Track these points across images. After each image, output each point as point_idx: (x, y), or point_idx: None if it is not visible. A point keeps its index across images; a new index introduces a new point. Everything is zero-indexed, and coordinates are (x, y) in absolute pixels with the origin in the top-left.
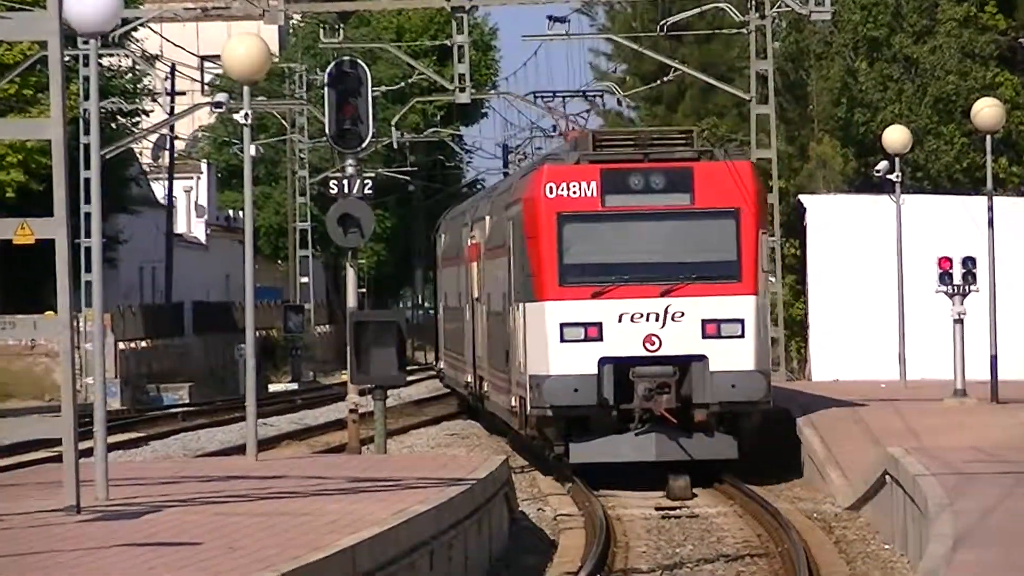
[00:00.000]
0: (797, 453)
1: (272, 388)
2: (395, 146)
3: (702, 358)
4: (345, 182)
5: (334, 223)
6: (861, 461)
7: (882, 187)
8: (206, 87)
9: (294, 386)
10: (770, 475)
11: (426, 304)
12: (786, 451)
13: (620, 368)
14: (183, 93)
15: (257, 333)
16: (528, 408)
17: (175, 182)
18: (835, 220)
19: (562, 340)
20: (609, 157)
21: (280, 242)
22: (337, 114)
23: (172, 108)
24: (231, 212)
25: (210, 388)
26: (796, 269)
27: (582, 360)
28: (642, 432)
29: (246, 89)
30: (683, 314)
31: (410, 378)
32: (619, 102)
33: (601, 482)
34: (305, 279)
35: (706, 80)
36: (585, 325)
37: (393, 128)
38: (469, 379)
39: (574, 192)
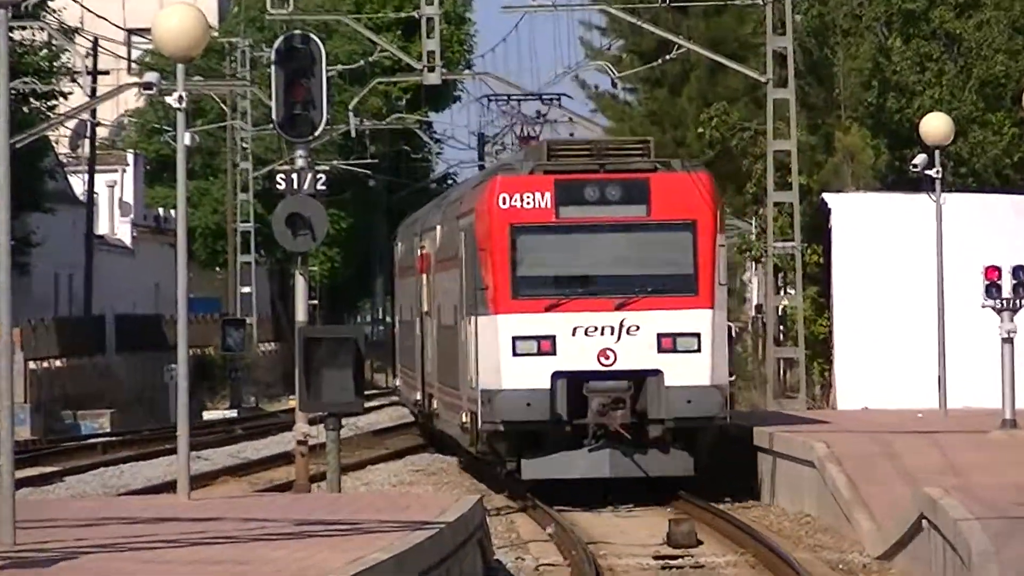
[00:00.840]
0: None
1: (208, 415)
2: (353, 135)
3: (657, 373)
4: (294, 176)
5: (281, 224)
6: (894, 503)
7: (919, 184)
8: (133, 65)
9: (233, 413)
10: (790, 516)
11: (387, 318)
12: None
13: (574, 383)
14: (107, 72)
15: (191, 351)
16: (480, 423)
17: (97, 175)
18: (864, 222)
19: (515, 354)
20: (564, 167)
21: (218, 246)
22: (286, 97)
23: (94, 90)
24: (161, 211)
25: (135, 415)
26: (819, 279)
27: (535, 374)
28: (596, 448)
29: (180, 67)
30: (638, 328)
31: (369, 404)
32: (614, 84)
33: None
34: (247, 289)
35: (715, 59)
36: (538, 339)
37: (351, 114)
38: (418, 396)
39: (527, 203)
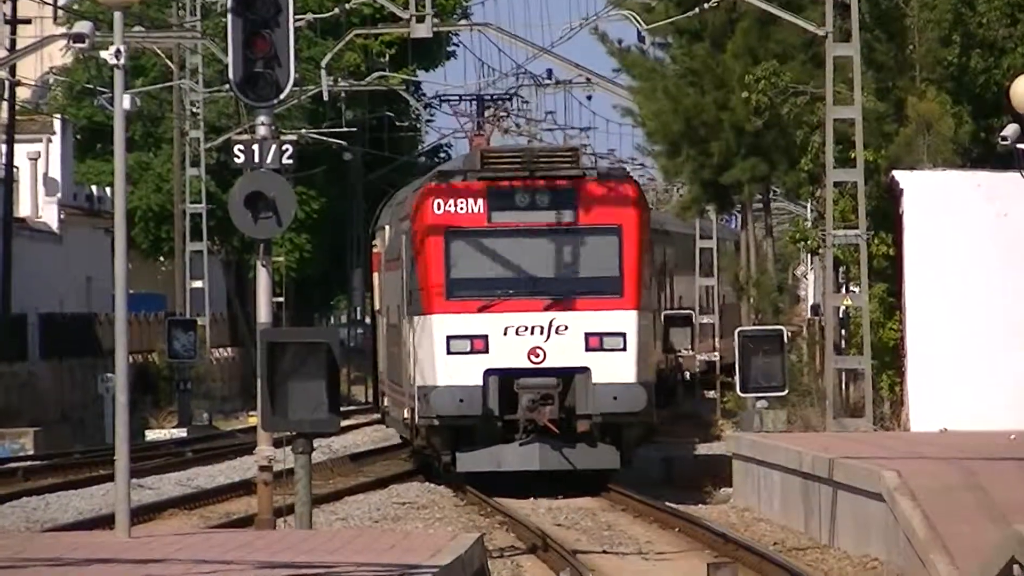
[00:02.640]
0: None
1: (152, 435)
2: (326, 97)
3: (585, 370)
4: (255, 147)
5: (239, 205)
6: (978, 544)
7: (1009, 160)
8: (60, 14)
9: (182, 433)
10: (853, 560)
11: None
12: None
13: (505, 380)
14: (28, 21)
15: (130, 358)
16: (417, 418)
17: (16, 146)
18: (943, 206)
19: (449, 352)
20: (496, 174)
21: (163, 231)
22: (245, 52)
23: (13, 42)
24: (95, 189)
25: (64, 435)
26: (888, 275)
27: (468, 372)
28: (526, 442)
29: (117, 16)
30: (567, 328)
31: (346, 422)
32: (641, 37)
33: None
34: (198, 283)
35: (766, 8)
36: (471, 338)
37: (323, 72)
38: (407, 414)
39: (461, 208)
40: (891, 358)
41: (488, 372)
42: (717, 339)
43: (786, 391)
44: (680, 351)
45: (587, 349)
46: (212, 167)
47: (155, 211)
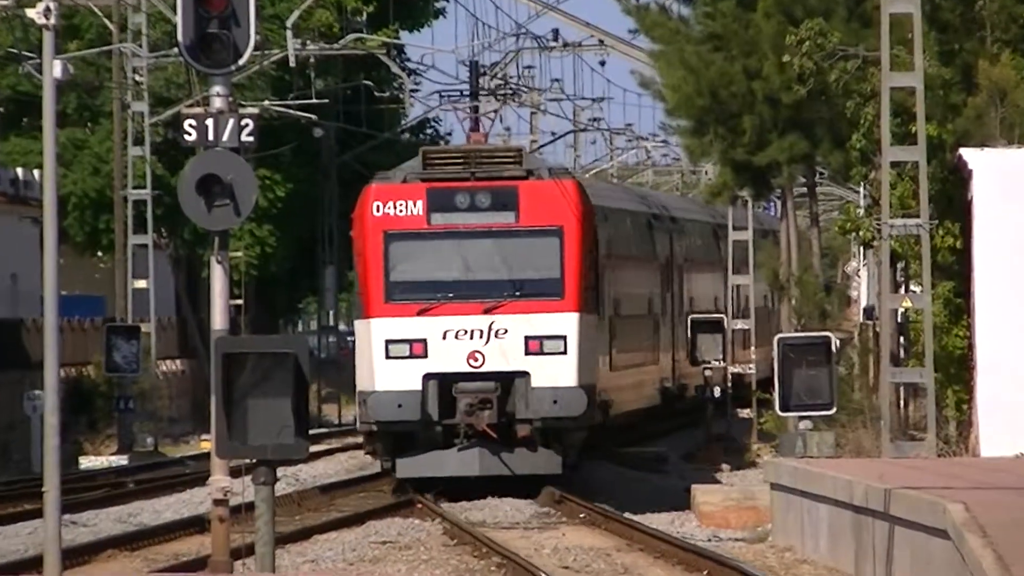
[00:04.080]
0: None
1: (87, 463)
2: (293, 63)
3: (525, 374)
4: (209, 122)
5: (191, 190)
6: None
7: None
8: None
9: (123, 460)
10: None
11: (342, 324)
12: None
13: (444, 384)
14: None
15: (63, 372)
16: (358, 423)
17: None
18: (1020, 189)
19: (387, 356)
20: (436, 176)
21: (101, 221)
22: (197, 9)
23: None
24: (19, 172)
25: None
26: (955, 271)
27: (407, 376)
28: (465, 447)
29: None
30: (506, 331)
31: (317, 448)
32: None
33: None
34: (142, 283)
35: None
36: (410, 342)
37: (289, 34)
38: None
39: (400, 210)
40: (958, 370)
41: (427, 376)
42: (753, 348)
43: (834, 409)
44: (709, 362)
45: (527, 352)
46: (159, 146)
47: (92, 198)
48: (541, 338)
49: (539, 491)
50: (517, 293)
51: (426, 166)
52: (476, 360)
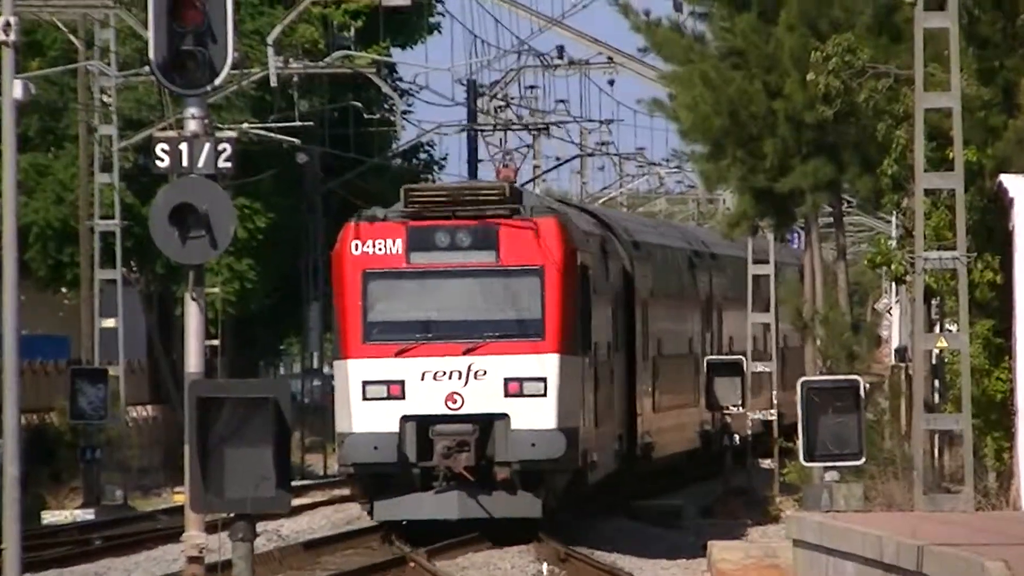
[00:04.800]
0: None
1: (50, 518)
2: (274, 83)
3: (504, 416)
4: (183, 147)
5: (164, 221)
6: None
7: None
8: None
9: (89, 515)
10: None
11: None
12: None
13: (422, 426)
14: None
15: (24, 419)
16: (338, 467)
17: None
18: None
19: (364, 398)
20: (417, 213)
21: (65, 254)
22: (170, 24)
23: None
24: None
25: None
26: (995, 309)
27: (384, 418)
28: (443, 490)
29: None
30: (486, 372)
31: (300, 501)
32: (678, 6)
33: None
34: (110, 322)
35: None
36: (388, 383)
37: (270, 51)
38: None
39: (379, 249)
40: (998, 416)
41: (405, 419)
42: (775, 392)
43: (863, 459)
44: (727, 408)
45: (506, 395)
46: (129, 172)
47: (55, 228)
48: (521, 380)
49: (525, 535)
50: (497, 334)
51: (407, 204)
52: (455, 402)
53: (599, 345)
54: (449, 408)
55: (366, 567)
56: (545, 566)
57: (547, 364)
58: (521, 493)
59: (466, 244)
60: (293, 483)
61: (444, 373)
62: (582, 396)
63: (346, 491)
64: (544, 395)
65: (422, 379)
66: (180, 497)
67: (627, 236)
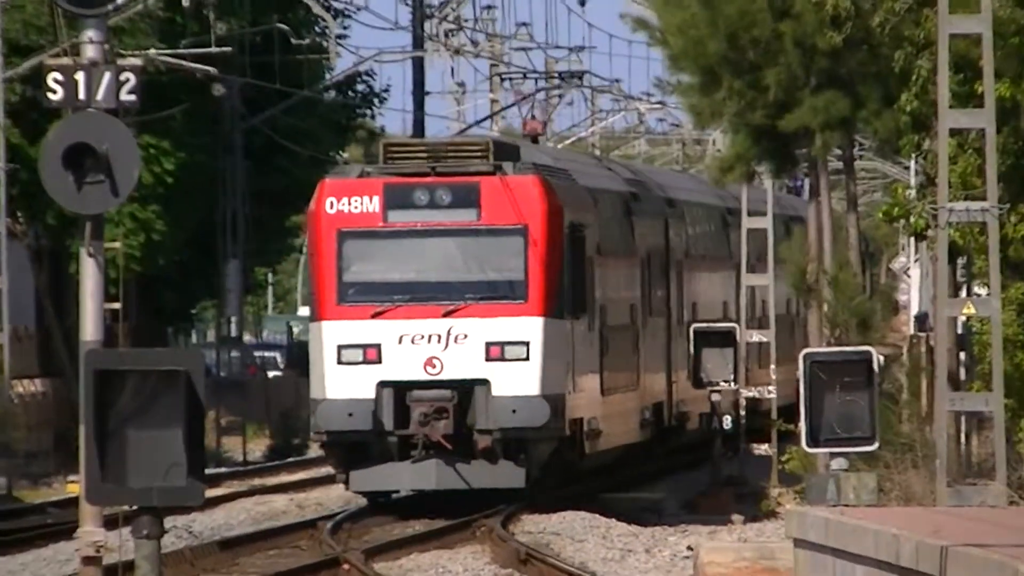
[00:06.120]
0: None
1: None
2: (186, 2)
3: (485, 382)
4: (80, 77)
5: (57, 163)
6: None
7: None
8: None
9: None
10: None
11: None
12: None
13: (399, 392)
14: None
15: None
16: (312, 435)
17: None
18: None
19: (339, 362)
20: (395, 170)
21: None
22: None
23: None
24: None
25: None
26: None
27: (359, 384)
28: (420, 459)
29: None
30: (466, 336)
31: (215, 492)
32: None
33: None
34: None
35: None
36: (364, 347)
37: None
38: None
39: (355, 207)
40: None
41: (381, 384)
42: (773, 366)
43: (876, 445)
44: (717, 384)
45: (487, 359)
46: (15, 107)
47: None
48: (502, 344)
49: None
50: (478, 296)
51: (386, 160)
52: (433, 367)
53: (609, 309)
54: (428, 373)
55: (294, 569)
56: None
57: (530, 327)
58: (503, 462)
59: (446, 202)
60: (207, 471)
61: (422, 337)
62: (571, 361)
63: (268, 481)
64: (527, 359)
65: (399, 343)
66: (74, 487)
67: (661, 193)
